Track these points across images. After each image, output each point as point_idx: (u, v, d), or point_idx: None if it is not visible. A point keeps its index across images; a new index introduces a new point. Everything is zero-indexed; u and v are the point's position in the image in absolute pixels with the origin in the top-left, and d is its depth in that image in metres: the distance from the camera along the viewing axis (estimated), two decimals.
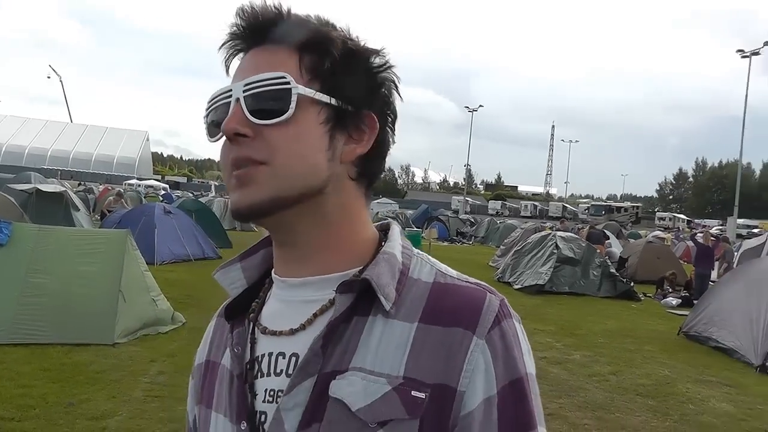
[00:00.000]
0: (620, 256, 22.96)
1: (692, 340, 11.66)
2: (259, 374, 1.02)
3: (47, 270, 8.63)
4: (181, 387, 6.98)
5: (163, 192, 56.36)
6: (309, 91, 0.96)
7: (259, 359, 1.03)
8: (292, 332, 1.01)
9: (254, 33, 1.00)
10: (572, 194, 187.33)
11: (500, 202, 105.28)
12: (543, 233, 20.61)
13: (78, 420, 5.91)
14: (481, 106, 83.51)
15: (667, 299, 17.16)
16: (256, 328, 1.06)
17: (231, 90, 0.97)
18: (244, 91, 0.96)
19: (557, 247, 17.59)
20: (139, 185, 63.23)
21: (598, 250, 18.54)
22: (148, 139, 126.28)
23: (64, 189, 22.69)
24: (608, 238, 23.85)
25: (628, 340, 11.62)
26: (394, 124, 1.07)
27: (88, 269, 8.84)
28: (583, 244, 17.97)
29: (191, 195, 47.00)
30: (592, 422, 6.98)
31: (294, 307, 1.03)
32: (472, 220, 46.47)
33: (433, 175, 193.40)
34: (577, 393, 8.00)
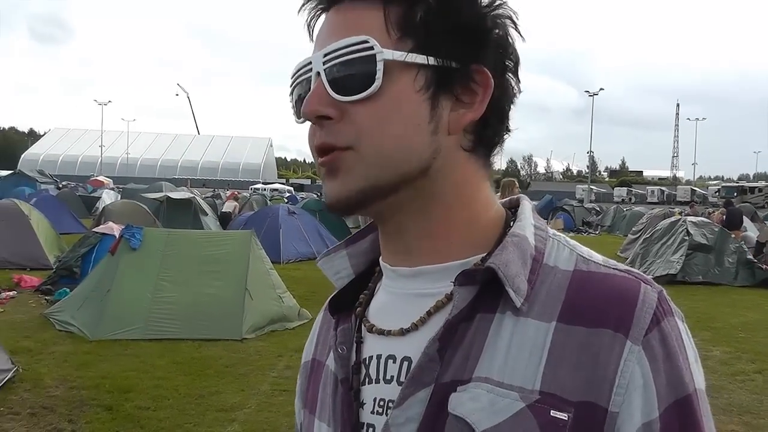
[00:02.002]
0: (757, 241, 21.61)
1: None
2: (366, 380, 0.87)
3: (177, 270, 9.06)
4: None
5: (287, 194, 57.90)
6: (399, 54, 0.78)
7: (367, 362, 0.88)
8: (403, 333, 0.85)
9: None
10: (701, 176, 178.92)
11: (626, 188, 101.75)
12: (672, 219, 19.67)
13: (208, 411, 6.11)
14: (601, 89, 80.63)
15: None
16: (363, 325, 0.91)
17: (311, 62, 0.82)
18: (323, 63, 0.80)
19: (688, 233, 16.66)
20: (265, 189, 65.17)
21: (733, 236, 17.48)
22: (271, 145, 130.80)
23: (192, 195, 23.73)
24: (742, 222, 22.49)
25: None
26: (516, 73, 0.87)
27: (215, 269, 9.20)
28: (716, 229, 17.01)
29: (315, 196, 48.13)
30: (740, 428, 6.32)
31: (406, 300, 0.87)
32: (598, 208, 45.10)
33: (556, 164, 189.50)
34: (720, 394, 7.25)
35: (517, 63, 0.86)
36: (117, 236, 10.00)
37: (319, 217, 20.79)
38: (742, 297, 14.23)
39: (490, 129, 0.85)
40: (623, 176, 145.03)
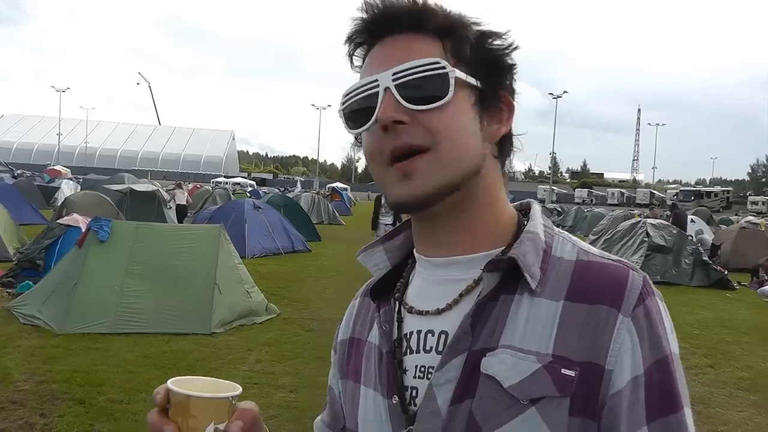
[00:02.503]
0: (712, 243, 22.14)
1: None
2: (408, 351, 1.05)
3: (146, 264, 8.98)
4: (278, 375, 7.17)
5: (250, 189, 57.51)
6: (462, 75, 0.97)
7: (408, 336, 1.06)
8: (439, 312, 1.03)
9: (389, 22, 1.00)
10: (660, 180, 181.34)
11: (587, 190, 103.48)
12: (633, 221, 20.09)
13: None
14: (565, 92, 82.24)
15: (764, 288, 16.27)
16: (402, 308, 1.09)
17: (377, 80, 0.97)
18: (394, 80, 0.96)
19: (648, 234, 17.09)
20: (227, 183, 64.74)
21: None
22: (233, 138, 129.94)
23: (156, 188, 23.50)
24: (686, 224, 22.88)
25: (724, 331, 11.14)
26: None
27: (184, 263, 9.15)
28: (674, 231, 17.43)
29: (278, 191, 47.88)
30: (693, 416, 6.66)
31: (439, 285, 1.05)
32: (559, 209, 45.73)
33: (518, 165, 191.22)
34: None
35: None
36: (83, 228, 9.90)
37: (283, 212, 20.80)
38: (698, 296, 14.73)
39: (508, 141, 1.06)
40: (584, 178, 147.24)
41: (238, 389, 0.97)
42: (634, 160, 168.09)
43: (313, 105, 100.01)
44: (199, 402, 0.92)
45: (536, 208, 1.11)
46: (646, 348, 0.93)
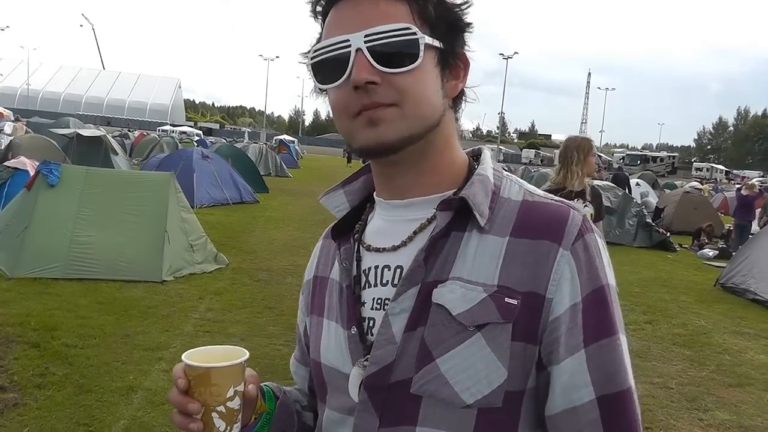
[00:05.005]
0: (656, 206, 22.73)
1: (729, 292, 11.49)
2: (366, 285, 1.14)
3: (97, 210, 8.91)
4: (229, 323, 7.27)
5: (197, 138, 56.57)
6: (429, 39, 1.04)
7: (366, 272, 1.15)
8: (394, 249, 1.13)
9: None
10: (607, 143, 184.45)
11: (534, 150, 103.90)
12: None
13: (135, 350, 6.19)
14: (516, 53, 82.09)
15: (704, 251, 16.91)
16: (360, 246, 1.19)
17: (348, 40, 1.03)
18: (366, 42, 1.01)
19: None
20: (173, 131, 63.57)
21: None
22: (180, 86, 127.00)
23: (103, 133, 23.04)
24: (628, 185, 23.36)
25: (663, 290, 11.58)
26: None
27: (135, 210, 9.11)
28: (620, 193, 17.83)
29: (225, 141, 47.22)
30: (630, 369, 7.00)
31: (396, 225, 1.15)
32: (506, 168, 46.15)
33: (466, 123, 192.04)
34: None
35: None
36: (31, 172, 9.74)
37: (231, 162, 20.61)
38: (640, 257, 15.22)
39: (461, 94, 1.15)
40: (532, 138, 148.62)
41: (246, 353, 1.09)
42: (582, 123, 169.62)
43: (261, 56, 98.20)
44: (219, 371, 1.04)
45: (486, 153, 1.20)
46: (584, 278, 1.03)
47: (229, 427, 1.05)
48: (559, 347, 1.02)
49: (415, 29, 1.02)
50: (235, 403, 1.05)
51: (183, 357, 1.06)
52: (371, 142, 1.05)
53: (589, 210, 5.04)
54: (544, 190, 1.16)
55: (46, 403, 4.93)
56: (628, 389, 1.05)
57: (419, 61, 1.02)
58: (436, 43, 1.05)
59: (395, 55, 1.02)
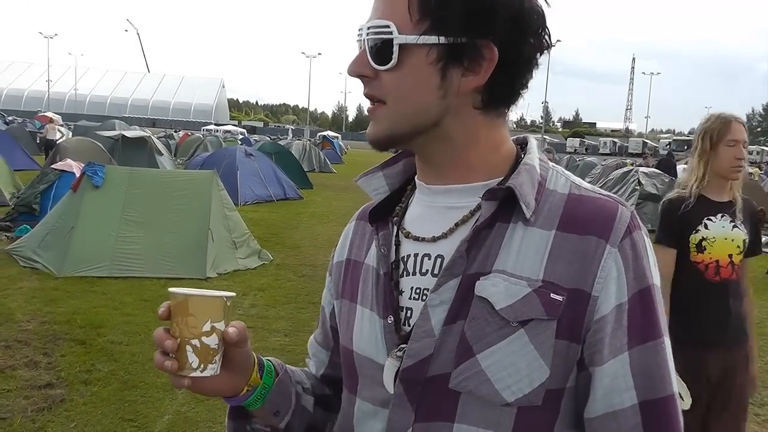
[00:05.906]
0: None
1: None
2: (404, 273, 1.10)
3: (141, 209, 9.06)
4: (272, 319, 7.31)
5: (241, 136, 57.05)
6: (411, 38, 0.99)
7: (405, 259, 1.11)
8: (434, 240, 1.08)
9: None
10: (653, 129, 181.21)
11: (578, 139, 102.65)
12: (625, 169, 20.04)
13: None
14: (558, 41, 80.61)
15: None
16: (399, 232, 1.14)
17: (361, 30, 1.04)
18: (367, 34, 1.02)
19: (639, 183, 17.03)
20: (218, 131, 64.27)
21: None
22: (223, 86, 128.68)
23: (148, 134, 23.41)
24: (676, 171, 22.79)
25: None
26: (540, 37, 1.05)
27: (178, 208, 9.22)
28: (666, 180, 17.44)
29: (269, 139, 47.60)
30: None
31: (437, 212, 1.10)
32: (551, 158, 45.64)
33: (510, 114, 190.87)
34: None
35: (540, 29, 1.04)
36: (77, 174, 9.92)
37: (275, 159, 20.74)
38: None
39: (498, 89, 1.04)
40: (576, 127, 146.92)
41: (232, 294, 1.07)
42: (627, 109, 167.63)
43: (303, 53, 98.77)
44: (196, 300, 1.01)
45: (533, 142, 1.14)
46: (630, 277, 0.99)
47: (202, 365, 1.01)
48: (603, 348, 0.99)
49: (392, 28, 0.99)
50: (212, 341, 1.02)
51: (169, 288, 1.04)
52: (370, 137, 1.08)
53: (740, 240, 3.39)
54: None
55: (92, 399, 5.01)
56: (671, 395, 1.01)
57: (392, 62, 1.00)
58: (431, 40, 0.98)
59: (380, 51, 1.01)
